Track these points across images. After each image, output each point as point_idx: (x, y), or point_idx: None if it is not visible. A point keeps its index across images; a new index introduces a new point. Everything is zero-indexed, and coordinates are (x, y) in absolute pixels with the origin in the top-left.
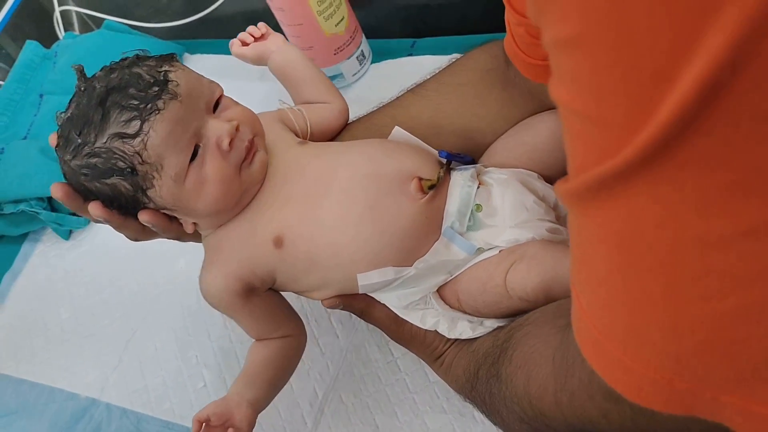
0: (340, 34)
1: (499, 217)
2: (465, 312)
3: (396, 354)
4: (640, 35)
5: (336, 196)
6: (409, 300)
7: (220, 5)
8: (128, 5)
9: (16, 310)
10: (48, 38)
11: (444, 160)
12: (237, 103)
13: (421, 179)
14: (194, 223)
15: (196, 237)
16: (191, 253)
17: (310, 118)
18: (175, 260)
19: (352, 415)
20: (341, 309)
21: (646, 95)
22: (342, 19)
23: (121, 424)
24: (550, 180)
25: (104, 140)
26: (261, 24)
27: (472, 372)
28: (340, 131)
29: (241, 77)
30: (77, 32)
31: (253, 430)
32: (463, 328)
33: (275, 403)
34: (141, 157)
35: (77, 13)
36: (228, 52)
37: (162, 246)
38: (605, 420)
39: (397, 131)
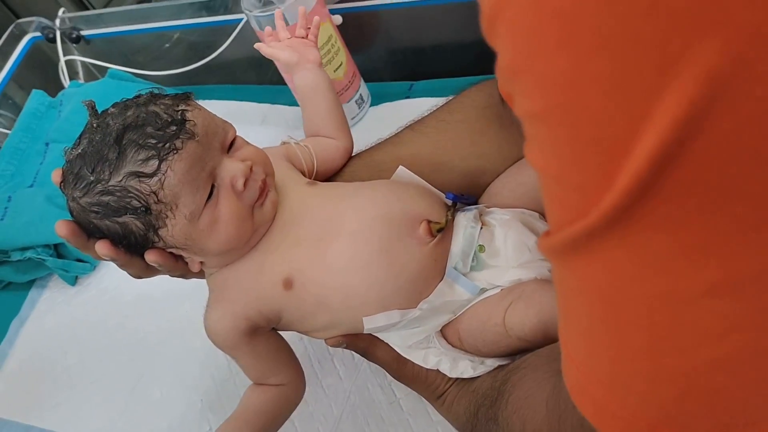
0: (338, 79)
1: (502, 257)
2: (466, 351)
3: (399, 394)
4: (598, 111)
5: (346, 240)
6: (413, 340)
7: (222, 52)
8: (131, 52)
9: (24, 356)
10: (53, 87)
11: (450, 202)
12: (249, 144)
13: (429, 222)
14: (201, 262)
15: (201, 274)
16: (196, 296)
17: (317, 156)
18: (180, 304)
19: None
20: (344, 348)
21: (606, 166)
22: (341, 65)
23: None
24: None
25: (119, 178)
26: (316, 20)
27: (472, 412)
28: (340, 169)
29: (244, 122)
30: (82, 81)
31: None
32: (464, 368)
33: None
34: (157, 197)
35: (82, 62)
36: (230, 98)
37: (166, 290)
38: None
39: (402, 171)
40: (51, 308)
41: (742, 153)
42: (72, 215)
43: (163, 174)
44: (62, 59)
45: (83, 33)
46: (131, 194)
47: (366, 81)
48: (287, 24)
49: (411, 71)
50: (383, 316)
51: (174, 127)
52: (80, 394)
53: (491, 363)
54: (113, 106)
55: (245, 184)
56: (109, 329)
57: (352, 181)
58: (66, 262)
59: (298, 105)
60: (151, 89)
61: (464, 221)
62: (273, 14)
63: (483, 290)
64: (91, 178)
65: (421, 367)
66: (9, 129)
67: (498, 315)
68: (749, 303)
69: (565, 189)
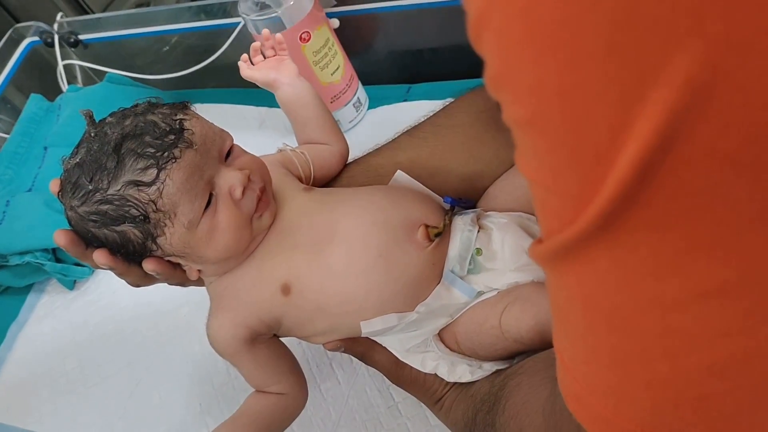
0: (336, 82)
1: (499, 260)
2: (464, 354)
3: (397, 399)
4: (582, 120)
5: (344, 245)
6: (411, 343)
7: (219, 55)
8: (129, 56)
9: (22, 361)
10: (52, 91)
11: (448, 206)
12: (246, 152)
13: (427, 227)
14: (199, 270)
15: (199, 282)
16: (194, 301)
17: (314, 161)
18: (177, 309)
19: None
20: (342, 352)
21: (592, 173)
22: (338, 68)
23: None
24: None
25: (118, 187)
26: (278, 37)
27: (470, 417)
28: (338, 173)
29: (242, 125)
30: (80, 85)
31: None
32: (462, 372)
33: None
34: (155, 205)
35: (80, 66)
36: (229, 102)
37: (165, 295)
38: None
39: (400, 175)
40: (49, 313)
41: (723, 159)
42: (70, 224)
43: (162, 183)
44: (60, 63)
45: (81, 37)
46: (130, 203)
47: (363, 84)
48: (285, 27)
49: (408, 74)
50: (380, 320)
51: (172, 136)
52: (78, 398)
53: (489, 367)
54: (111, 115)
55: (243, 192)
56: (107, 334)
57: (350, 187)
58: (64, 266)
59: None
60: (148, 98)
61: (462, 225)
62: (270, 18)
63: (480, 293)
64: (90, 187)
65: (419, 371)
66: (7, 133)
67: (494, 317)
68: (737, 308)
69: (553, 196)
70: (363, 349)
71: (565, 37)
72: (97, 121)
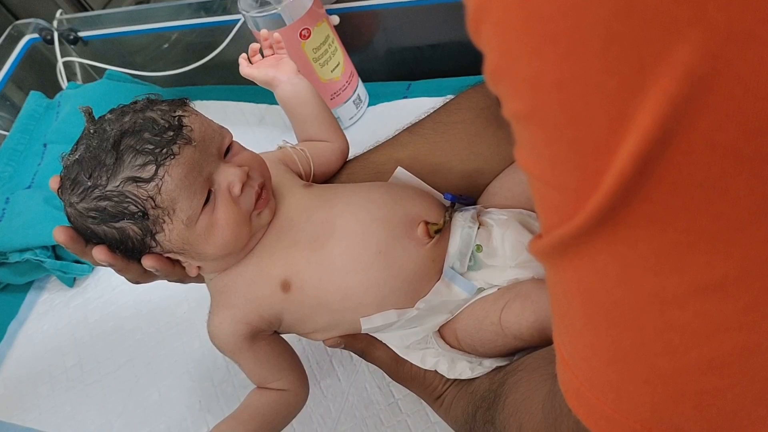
0: (336, 79)
1: (500, 257)
2: (464, 351)
3: (397, 395)
4: (581, 113)
5: (344, 241)
6: (411, 340)
7: (219, 52)
8: (128, 53)
9: (22, 358)
10: (51, 88)
11: (448, 203)
12: (245, 149)
13: (427, 223)
14: (198, 267)
15: (199, 279)
16: (194, 298)
17: (313, 158)
18: (177, 306)
19: None
20: (342, 348)
21: (591, 166)
22: (338, 65)
23: None
24: None
25: (117, 184)
26: (276, 37)
27: (470, 414)
28: (338, 170)
29: (242, 122)
30: (80, 82)
31: None
32: (462, 369)
33: None
34: (154, 202)
35: (80, 63)
36: (228, 98)
37: (164, 292)
38: None
39: (400, 172)
40: (49, 310)
41: (723, 151)
42: (69, 221)
43: (161, 179)
44: (60, 60)
45: (81, 34)
46: (128, 199)
47: (364, 81)
48: (285, 24)
49: (409, 71)
50: (380, 317)
51: (171, 133)
52: (78, 395)
53: (489, 364)
54: (110, 112)
55: (242, 189)
56: (107, 331)
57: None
58: (64, 263)
59: None
60: (147, 95)
61: (462, 221)
62: (270, 14)
63: (480, 290)
64: (89, 184)
65: (419, 368)
66: (7, 130)
67: (494, 314)
68: (737, 303)
69: (552, 191)
70: (363, 345)
71: (564, 27)
72: (96, 118)
